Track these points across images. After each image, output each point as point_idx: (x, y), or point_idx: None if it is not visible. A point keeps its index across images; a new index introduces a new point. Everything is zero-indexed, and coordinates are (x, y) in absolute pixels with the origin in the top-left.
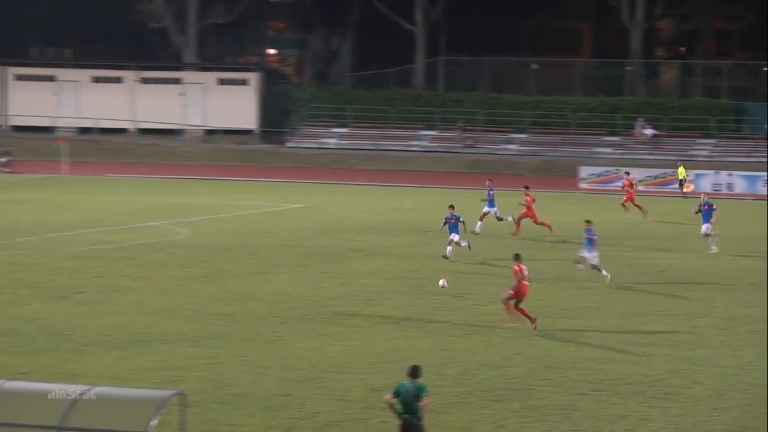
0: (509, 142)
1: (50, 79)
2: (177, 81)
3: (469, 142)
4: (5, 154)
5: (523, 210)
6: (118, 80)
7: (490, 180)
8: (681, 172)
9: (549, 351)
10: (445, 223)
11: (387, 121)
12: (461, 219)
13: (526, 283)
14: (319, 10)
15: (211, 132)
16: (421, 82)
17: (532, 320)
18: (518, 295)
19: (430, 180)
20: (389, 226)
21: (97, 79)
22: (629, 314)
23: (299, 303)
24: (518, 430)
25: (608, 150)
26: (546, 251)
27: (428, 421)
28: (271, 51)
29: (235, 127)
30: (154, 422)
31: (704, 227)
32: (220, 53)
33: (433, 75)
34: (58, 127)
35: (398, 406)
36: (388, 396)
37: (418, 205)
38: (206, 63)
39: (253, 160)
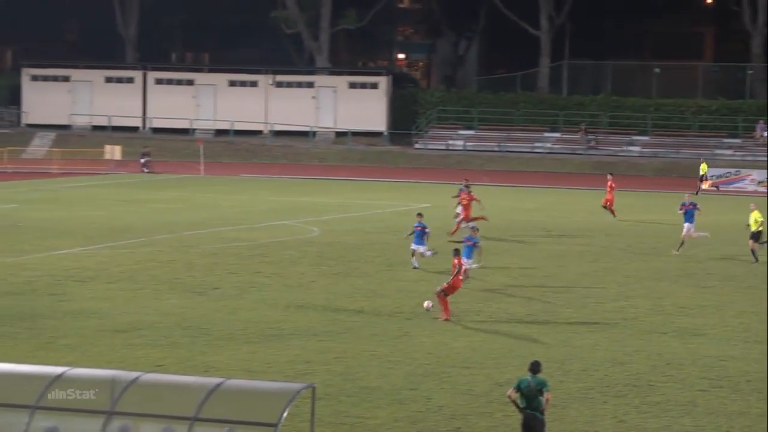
0: (631, 144)
1: (189, 83)
2: (310, 85)
3: (592, 143)
4: (145, 155)
5: (461, 210)
6: (253, 84)
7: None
8: (703, 168)
9: (670, 348)
10: (411, 232)
11: (512, 123)
12: (427, 229)
13: (460, 278)
14: (447, 15)
15: (341, 134)
16: (545, 86)
17: (447, 315)
18: (451, 289)
19: (553, 181)
20: (513, 226)
21: (233, 83)
22: (749, 312)
23: (425, 299)
24: (639, 425)
25: (729, 152)
26: (666, 250)
27: (550, 415)
28: (401, 55)
29: (365, 129)
30: (286, 414)
31: (686, 227)
32: (351, 58)
33: (558, 78)
34: (196, 129)
35: (520, 401)
36: (510, 391)
37: (542, 205)
38: (338, 67)
39: (381, 161)
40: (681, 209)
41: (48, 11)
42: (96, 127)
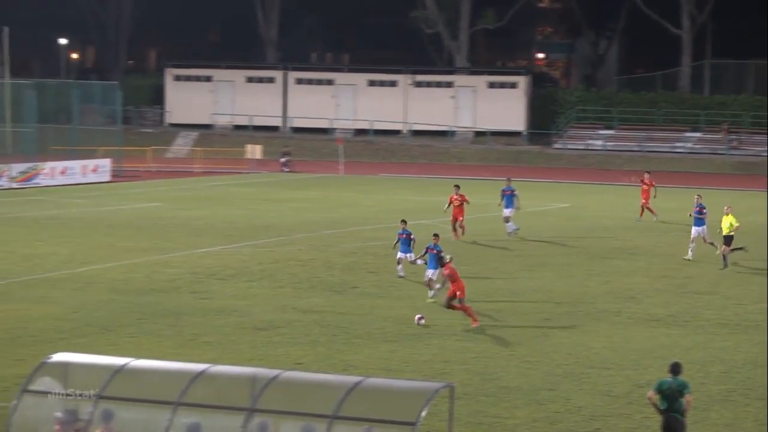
0: None
1: (329, 82)
2: (449, 84)
3: (734, 144)
4: (285, 154)
5: (456, 212)
6: (392, 84)
7: (508, 179)
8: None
9: None
10: (397, 240)
11: (652, 123)
12: (413, 236)
13: (458, 279)
14: (587, 15)
15: (480, 133)
16: (686, 85)
17: (474, 321)
18: (461, 293)
19: (694, 181)
20: (653, 226)
21: (373, 83)
22: None
23: (564, 300)
24: None
25: None
26: None
27: (690, 417)
28: (540, 55)
29: (504, 129)
30: (424, 413)
31: (695, 230)
32: (491, 57)
33: (699, 78)
34: (336, 129)
35: (661, 403)
36: (650, 392)
37: (683, 205)
38: (477, 67)
39: (520, 161)
40: (692, 213)
41: (191, 13)
42: (237, 127)
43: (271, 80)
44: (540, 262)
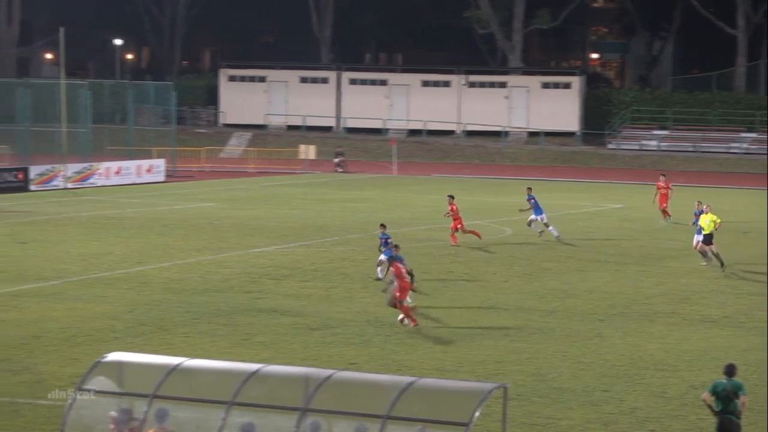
0: None
1: (382, 83)
2: (502, 85)
3: None
4: (339, 154)
5: (452, 220)
6: (446, 84)
7: (529, 188)
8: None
9: None
10: (381, 244)
11: (707, 124)
12: (390, 239)
13: (406, 278)
14: (641, 15)
15: (534, 134)
16: (741, 85)
17: (414, 322)
18: (403, 293)
19: (750, 182)
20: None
21: (426, 83)
22: None
23: (618, 300)
24: None
25: None
26: None
27: (745, 419)
28: (594, 55)
29: (558, 129)
30: (477, 414)
31: (697, 239)
32: (544, 58)
33: (755, 78)
34: (389, 129)
35: (716, 404)
36: (705, 394)
37: (737, 206)
38: (530, 67)
39: (574, 161)
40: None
41: (246, 13)
42: (291, 127)
43: (324, 80)
44: (593, 262)
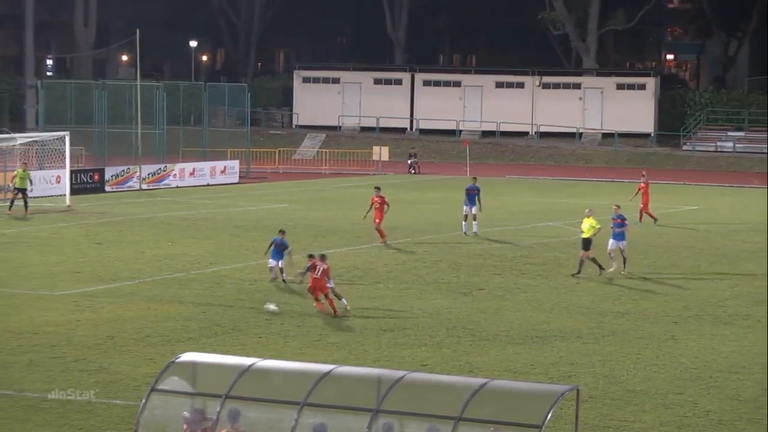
0: None
1: (456, 84)
2: (576, 86)
3: None
4: (412, 155)
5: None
6: (520, 85)
7: (474, 178)
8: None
9: None
10: (271, 245)
11: None
12: (289, 247)
13: (316, 276)
14: (717, 15)
15: (608, 135)
16: None
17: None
18: (314, 291)
19: None
20: None
21: (500, 84)
22: None
23: (692, 303)
24: None
25: None
26: None
27: (745, 419)
28: (669, 56)
29: (632, 131)
30: (550, 416)
31: (612, 243)
32: (619, 59)
33: None
34: (462, 131)
35: None
36: None
37: None
38: (605, 68)
39: (648, 163)
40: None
41: (321, 15)
42: (364, 129)
43: (398, 82)
44: (668, 264)
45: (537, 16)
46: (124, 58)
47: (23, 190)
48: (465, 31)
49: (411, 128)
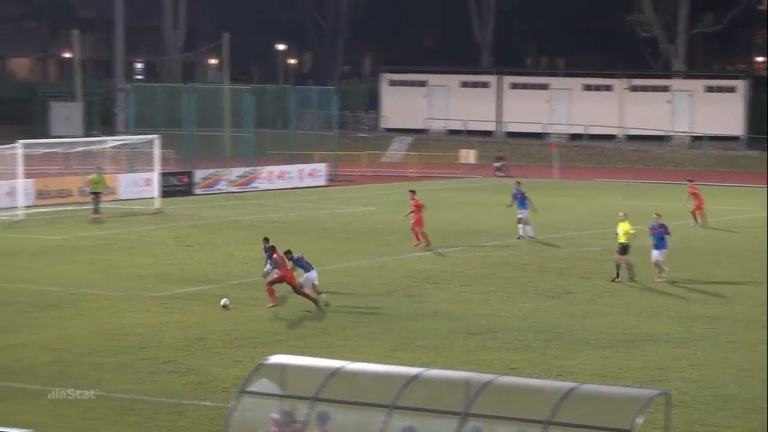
0: None
1: (543, 87)
2: (665, 89)
3: None
4: (499, 159)
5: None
6: (608, 88)
7: (518, 183)
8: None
9: None
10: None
11: None
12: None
13: (288, 269)
14: None
15: (697, 138)
16: None
17: (316, 302)
18: (280, 280)
19: None
20: None
21: (588, 87)
22: None
23: None
24: None
25: None
26: None
27: (745, 420)
28: (759, 58)
29: (721, 134)
30: (640, 420)
31: (655, 254)
32: (708, 61)
33: None
34: (550, 134)
35: None
36: None
37: None
38: (694, 71)
39: (738, 166)
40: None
41: (407, 18)
42: (451, 131)
43: (485, 85)
44: (760, 270)
45: (624, 19)
46: (213, 61)
47: (98, 194)
48: (552, 34)
49: (498, 131)
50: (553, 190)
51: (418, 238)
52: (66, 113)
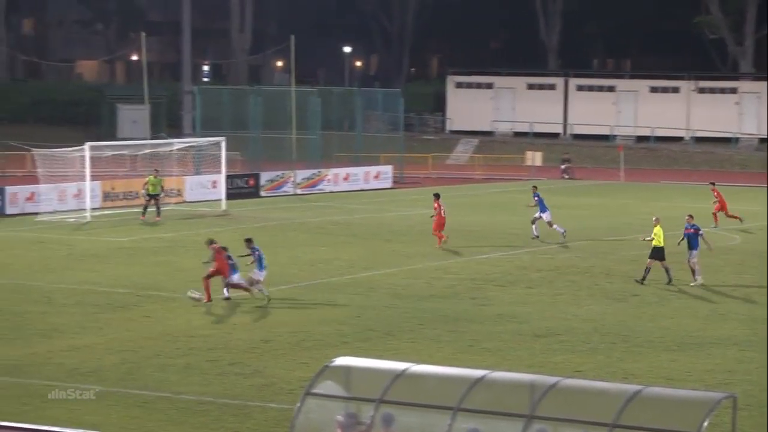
0: None
1: (609, 89)
2: (733, 90)
3: None
4: (566, 161)
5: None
6: (675, 90)
7: (534, 187)
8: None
9: None
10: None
11: None
12: (233, 259)
13: (226, 262)
14: None
15: (764, 140)
16: None
17: (209, 298)
18: (216, 273)
19: None
20: None
21: (654, 89)
22: None
23: None
24: None
25: None
26: None
27: (746, 420)
28: None
29: None
30: (706, 424)
31: (693, 254)
32: None
33: None
34: (616, 136)
35: None
36: None
37: None
38: (762, 72)
39: None
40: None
41: (474, 20)
42: (517, 134)
43: (552, 87)
44: None
45: (691, 20)
46: (279, 63)
47: (155, 196)
48: (618, 36)
49: (564, 133)
50: (619, 192)
51: (442, 240)
52: (133, 116)
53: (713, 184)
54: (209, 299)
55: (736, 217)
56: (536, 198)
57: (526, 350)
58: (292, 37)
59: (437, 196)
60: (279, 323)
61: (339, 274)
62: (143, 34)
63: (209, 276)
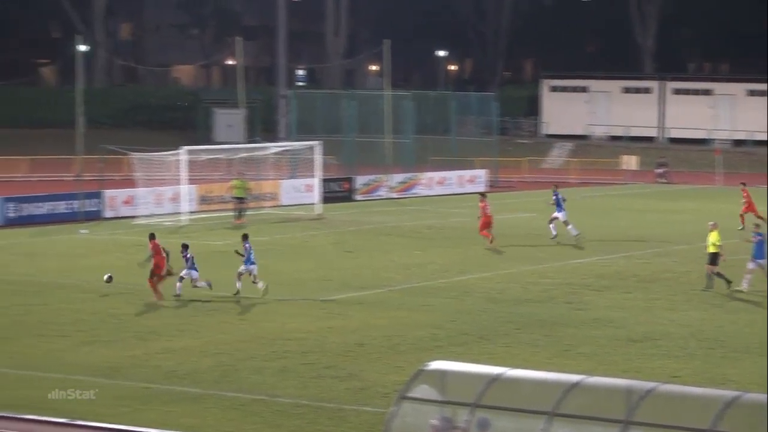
0: None
1: (706, 92)
2: None
3: None
4: (662, 165)
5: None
6: None
7: (555, 185)
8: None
9: None
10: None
11: None
12: (252, 252)
13: (164, 256)
14: None
15: None
16: None
17: (158, 295)
18: (157, 269)
19: None
20: None
21: (752, 92)
22: None
23: None
24: None
25: None
26: None
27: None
28: None
29: None
30: None
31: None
32: None
33: None
34: (714, 139)
35: None
36: None
37: None
38: None
39: None
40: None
41: (568, 24)
42: (612, 137)
43: (647, 90)
44: None
45: None
46: (373, 67)
47: (241, 199)
48: (715, 39)
49: (660, 137)
50: (717, 196)
51: (490, 239)
52: (229, 120)
53: (744, 184)
54: (160, 297)
55: (764, 219)
56: (555, 197)
57: (622, 355)
58: (387, 41)
59: (483, 195)
60: (373, 327)
61: (433, 277)
62: (239, 39)
63: (153, 275)
